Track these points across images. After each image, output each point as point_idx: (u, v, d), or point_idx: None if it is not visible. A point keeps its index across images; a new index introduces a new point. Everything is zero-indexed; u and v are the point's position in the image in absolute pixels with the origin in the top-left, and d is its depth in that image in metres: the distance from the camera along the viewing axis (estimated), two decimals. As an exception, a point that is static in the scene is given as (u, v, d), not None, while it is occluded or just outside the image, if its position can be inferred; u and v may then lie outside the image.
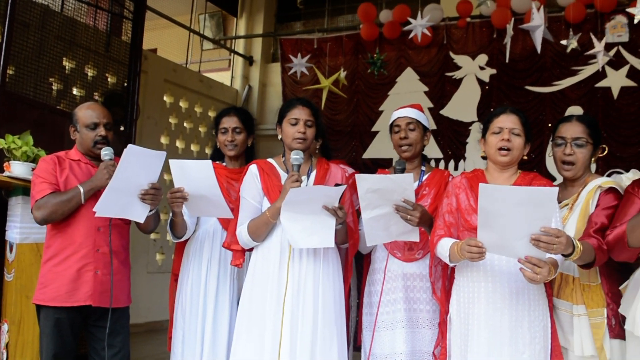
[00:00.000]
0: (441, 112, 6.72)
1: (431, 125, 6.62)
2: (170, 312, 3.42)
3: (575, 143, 2.65)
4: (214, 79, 8.35)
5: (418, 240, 2.78)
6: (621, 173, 3.42)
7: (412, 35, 6.18)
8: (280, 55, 7.60)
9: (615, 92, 6.07)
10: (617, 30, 6.05)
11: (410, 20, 6.24)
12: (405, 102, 6.62)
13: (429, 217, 2.75)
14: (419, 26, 5.96)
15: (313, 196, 2.68)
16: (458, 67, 6.74)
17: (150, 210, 2.93)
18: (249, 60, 8.44)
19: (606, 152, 2.80)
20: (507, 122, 2.60)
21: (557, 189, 2.12)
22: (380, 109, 6.97)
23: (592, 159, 2.72)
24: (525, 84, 6.41)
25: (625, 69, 6.04)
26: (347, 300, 3.11)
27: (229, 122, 3.38)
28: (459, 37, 6.78)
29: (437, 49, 6.83)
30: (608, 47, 6.05)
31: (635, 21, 5.32)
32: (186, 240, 3.34)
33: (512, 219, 2.15)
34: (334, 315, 2.82)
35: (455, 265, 2.58)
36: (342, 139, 7.16)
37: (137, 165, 2.79)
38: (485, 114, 6.40)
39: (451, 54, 6.77)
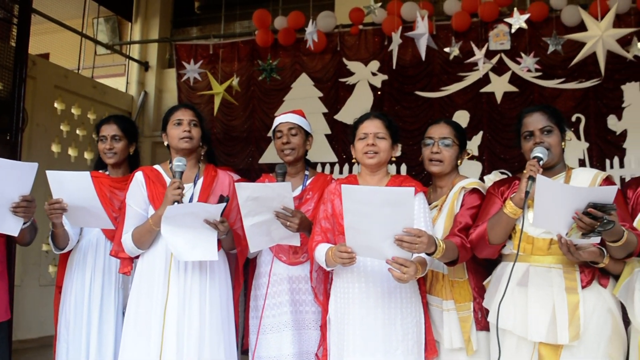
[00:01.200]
0: (335, 117, 6.88)
1: (326, 129, 6.82)
2: (55, 325, 3.36)
3: (443, 142, 2.83)
4: (109, 85, 8.18)
5: (299, 244, 2.89)
6: (505, 174, 3.63)
7: (308, 44, 6.28)
8: (176, 60, 7.55)
9: (499, 97, 6.41)
10: (499, 38, 6.38)
11: (304, 27, 6.35)
12: (301, 107, 6.72)
13: (308, 222, 2.86)
14: (311, 33, 6.07)
15: (192, 212, 2.72)
16: (351, 73, 6.91)
17: (25, 223, 2.87)
18: (144, 65, 8.33)
19: (471, 155, 2.99)
20: (371, 127, 2.75)
21: (412, 188, 2.26)
22: (276, 114, 6.98)
23: (459, 161, 2.91)
24: (415, 89, 6.66)
25: (507, 75, 6.39)
26: (238, 306, 3.18)
27: (108, 130, 3.38)
28: (352, 43, 6.96)
29: (331, 56, 6.98)
30: (492, 54, 6.40)
31: (513, 30, 5.68)
32: (70, 251, 3.30)
33: (376, 220, 2.27)
34: (221, 322, 2.89)
35: (332, 269, 2.69)
36: (238, 145, 7.19)
37: (7, 178, 2.73)
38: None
39: (344, 60, 6.94)
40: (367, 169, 2.80)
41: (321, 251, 2.63)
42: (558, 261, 2.43)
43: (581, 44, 5.38)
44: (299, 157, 3.22)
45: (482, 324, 2.64)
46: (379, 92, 6.80)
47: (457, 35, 6.49)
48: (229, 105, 6.99)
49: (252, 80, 7.19)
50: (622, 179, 5.78)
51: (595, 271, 2.42)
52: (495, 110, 6.44)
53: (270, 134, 6.79)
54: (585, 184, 2.47)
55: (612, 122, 6.12)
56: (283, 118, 3.27)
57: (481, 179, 5.24)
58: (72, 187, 2.89)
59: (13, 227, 2.83)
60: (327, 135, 6.86)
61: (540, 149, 2.49)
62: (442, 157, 2.83)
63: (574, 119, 6.22)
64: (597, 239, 2.18)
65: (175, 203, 2.73)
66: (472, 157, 6.36)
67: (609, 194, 2.11)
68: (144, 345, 2.77)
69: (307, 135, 3.29)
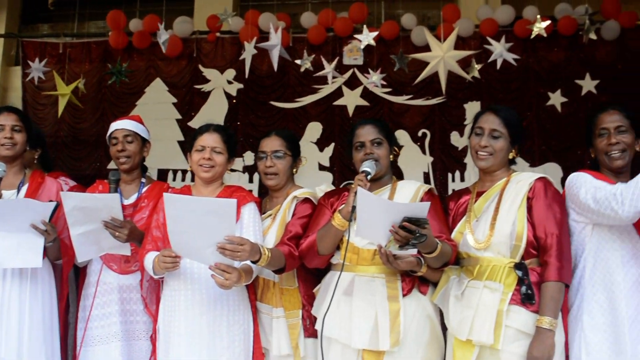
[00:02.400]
0: (189, 123, 6.76)
1: (179, 136, 6.70)
2: None
3: (275, 155, 2.86)
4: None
5: (129, 254, 2.82)
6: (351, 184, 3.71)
7: (159, 40, 6.14)
8: (22, 58, 7.12)
9: (351, 110, 6.60)
10: (353, 53, 6.56)
11: (157, 31, 6.19)
12: (154, 113, 6.61)
13: (139, 232, 2.80)
14: (164, 40, 5.95)
15: (17, 210, 2.59)
16: (207, 80, 6.84)
17: None
18: (-13, 62, 7.80)
19: (305, 162, 3.05)
20: (209, 140, 2.76)
21: (234, 200, 2.29)
22: (127, 119, 6.84)
23: (294, 170, 2.96)
24: (270, 99, 6.70)
25: (359, 90, 6.58)
26: (64, 317, 3.04)
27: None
28: (209, 50, 6.90)
29: (187, 62, 6.87)
30: (345, 68, 6.58)
31: (362, 47, 5.87)
32: None
33: (199, 228, 2.28)
34: (43, 334, 2.76)
35: (161, 277, 2.65)
36: (86, 149, 6.88)
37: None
38: (232, 128, 6.64)
39: (200, 67, 6.86)
40: (201, 180, 2.78)
41: (149, 259, 2.59)
42: (381, 271, 2.53)
43: (426, 63, 5.66)
44: (135, 165, 3.15)
45: (310, 331, 2.69)
46: (234, 101, 6.77)
47: (313, 49, 6.60)
48: (77, 107, 6.69)
49: (104, 82, 6.91)
50: (461, 193, 6.14)
51: (415, 280, 2.55)
52: (347, 122, 6.60)
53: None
54: (408, 196, 2.60)
55: (454, 138, 6.46)
56: (118, 124, 3.19)
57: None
58: None
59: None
60: (179, 142, 6.74)
61: (368, 163, 2.58)
62: (276, 170, 2.86)
63: (420, 134, 6.52)
64: (414, 251, 2.30)
65: None
66: (323, 168, 6.52)
67: (422, 209, 2.22)
68: None
69: (144, 142, 3.21)
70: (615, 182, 2.51)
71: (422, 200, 2.58)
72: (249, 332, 2.67)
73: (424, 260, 2.43)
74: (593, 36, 5.74)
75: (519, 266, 2.45)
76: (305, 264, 2.65)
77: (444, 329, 2.60)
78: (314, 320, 2.66)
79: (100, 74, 6.94)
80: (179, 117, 6.81)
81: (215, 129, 2.86)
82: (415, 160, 6.42)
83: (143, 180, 3.20)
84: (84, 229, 2.68)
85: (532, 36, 5.87)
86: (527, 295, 2.40)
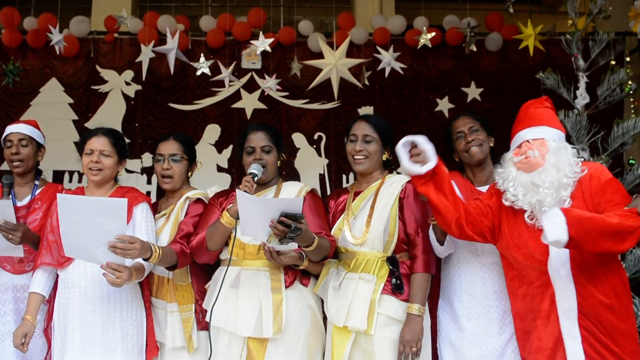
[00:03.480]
0: (86, 124, 6.75)
1: (75, 137, 6.67)
2: None
3: (172, 159, 3.04)
4: None
5: (22, 255, 2.92)
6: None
7: (52, 43, 6.12)
8: None
9: (249, 113, 6.81)
10: (251, 57, 6.79)
11: (52, 31, 6.17)
12: (49, 113, 6.55)
13: (32, 234, 2.91)
14: (58, 41, 5.96)
15: None
16: (105, 81, 6.86)
17: None
18: None
19: (201, 167, 3.24)
20: (97, 144, 2.91)
21: (125, 200, 2.47)
22: (21, 118, 6.75)
23: (190, 173, 3.14)
24: (169, 101, 6.81)
25: (257, 93, 6.80)
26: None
27: None
28: (107, 51, 6.91)
29: (84, 62, 6.86)
30: (244, 72, 6.80)
31: (259, 52, 6.07)
32: None
33: (91, 228, 2.43)
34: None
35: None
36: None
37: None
38: (130, 129, 6.70)
39: (98, 68, 6.87)
40: (92, 183, 2.92)
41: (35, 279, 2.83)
42: (265, 265, 2.75)
43: (320, 70, 5.95)
44: (29, 169, 3.25)
45: (203, 324, 2.89)
46: (132, 102, 6.83)
47: (212, 52, 6.77)
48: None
49: (-5, 80, 6.81)
50: (355, 194, 6.48)
51: (297, 273, 2.79)
52: (244, 125, 6.75)
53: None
54: (292, 196, 2.84)
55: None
56: (14, 128, 3.29)
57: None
58: None
59: None
60: (75, 143, 6.72)
61: (256, 166, 2.81)
62: (172, 173, 3.04)
63: (316, 137, 6.82)
64: (294, 245, 2.54)
65: None
66: (221, 169, 6.69)
67: (297, 205, 2.47)
68: None
69: (38, 146, 3.31)
70: (477, 176, 2.90)
71: (304, 200, 2.82)
72: (142, 326, 2.83)
73: (305, 254, 2.67)
74: (473, 48, 6.20)
75: (390, 260, 2.74)
76: (196, 260, 2.84)
77: (325, 318, 2.86)
78: (206, 313, 2.85)
79: (-8, 72, 6.81)
80: (76, 117, 6.80)
81: (104, 133, 2.98)
82: (311, 162, 6.70)
83: (36, 182, 3.29)
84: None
85: (419, 47, 6.26)
86: (397, 286, 2.69)
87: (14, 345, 2.76)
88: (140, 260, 2.61)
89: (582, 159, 2.62)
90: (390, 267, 2.72)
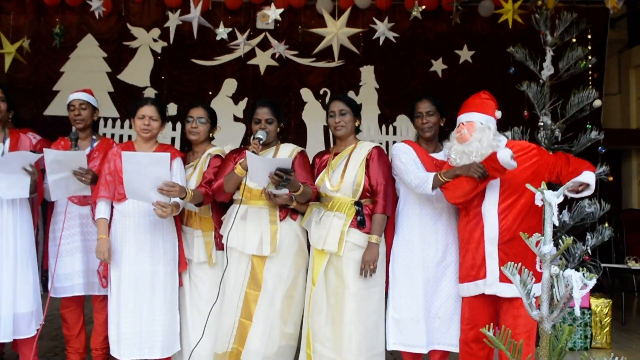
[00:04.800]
0: (118, 76, 7.91)
1: (109, 88, 7.80)
2: None
3: (199, 120, 4.14)
4: None
5: (90, 194, 4.07)
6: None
7: (92, 9, 7.18)
8: (-41, 11, 8.01)
9: (262, 69, 7.92)
10: (265, 19, 7.80)
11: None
12: (86, 65, 7.71)
13: (96, 176, 4.04)
14: (98, 7, 7.03)
15: (12, 159, 3.82)
16: (134, 38, 7.96)
17: None
18: None
19: (220, 130, 4.35)
20: (147, 111, 3.98)
21: (168, 154, 3.63)
22: (62, 70, 7.89)
23: (211, 134, 4.26)
24: (192, 57, 7.91)
25: (270, 51, 7.88)
26: (36, 236, 4.30)
27: None
28: (136, 11, 7.98)
29: (116, 20, 7.94)
30: (258, 32, 7.87)
31: (270, 20, 7.09)
32: None
33: (145, 176, 3.58)
34: (29, 247, 4.04)
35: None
36: (23, 97, 7.86)
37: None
38: (157, 82, 7.81)
39: (128, 25, 7.96)
40: (141, 140, 4.04)
41: (99, 208, 3.97)
42: (266, 204, 3.89)
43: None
44: (88, 126, 4.38)
45: (220, 245, 4.05)
46: (159, 57, 7.94)
47: (230, 13, 7.84)
48: (15, 59, 7.66)
49: (39, 36, 7.90)
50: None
51: (288, 210, 3.93)
52: (259, 80, 7.92)
53: (56, 87, 7.76)
54: (286, 154, 3.96)
55: (351, 96, 7.86)
56: (75, 95, 4.38)
57: (245, 139, 6.75)
58: None
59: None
60: (110, 93, 7.87)
61: (261, 132, 3.90)
62: (198, 131, 4.15)
63: (321, 92, 7.92)
64: (286, 191, 3.68)
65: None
66: (237, 119, 7.80)
67: (287, 162, 3.62)
68: None
69: (94, 109, 4.43)
70: (428, 145, 4.00)
71: (294, 157, 3.94)
72: (175, 246, 4.02)
73: (294, 197, 3.82)
74: (458, 20, 7.20)
75: (357, 203, 3.87)
76: (216, 199, 3.99)
77: (309, 244, 4.02)
78: (222, 238, 4.02)
79: (36, 28, 7.92)
80: (109, 70, 7.95)
81: (152, 102, 4.06)
82: (317, 115, 7.81)
83: (94, 137, 4.43)
84: (59, 176, 3.92)
85: (411, 18, 7.26)
86: (360, 222, 3.83)
87: (101, 259, 3.92)
88: (177, 199, 3.77)
89: (507, 138, 3.77)
90: (357, 208, 3.84)
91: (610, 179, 5.92)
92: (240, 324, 3.86)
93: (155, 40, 7.94)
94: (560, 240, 5.05)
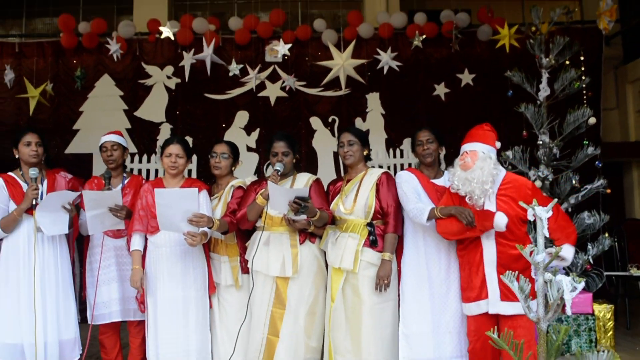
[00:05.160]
0: (135, 113, 8.38)
1: (126, 124, 8.26)
2: None
3: (222, 156, 4.60)
4: None
5: (124, 227, 4.52)
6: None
7: (111, 52, 7.70)
8: (-20, 57, 8.54)
9: (273, 101, 8.36)
10: (273, 52, 8.30)
11: (110, 42, 7.73)
12: (104, 104, 8.21)
13: (129, 211, 4.49)
14: (115, 51, 7.56)
15: (55, 198, 4.27)
16: (149, 76, 8.43)
17: None
18: (-58, 57, 9.14)
19: (241, 164, 4.79)
20: (174, 149, 4.45)
21: (196, 189, 4.09)
22: (81, 109, 8.37)
23: (233, 168, 4.70)
24: (205, 92, 8.37)
25: (279, 83, 8.34)
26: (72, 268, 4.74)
27: None
28: (150, 50, 8.47)
29: (131, 59, 8.42)
30: (267, 65, 8.34)
31: (279, 55, 7.59)
32: None
33: (176, 209, 4.02)
34: (68, 279, 4.49)
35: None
36: (45, 137, 8.38)
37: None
38: (172, 116, 8.28)
39: (143, 64, 8.44)
40: (169, 176, 4.50)
41: (133, 241, 4.44)
42: (286, 230, 4.32)
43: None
44: (119, 165, 4.83)
45: (245, 269, 4.49)
46: (174, 93, 8.42)
47: (240, 48, 8.33)
48: (38, 102, 8.18)
49: (58, 77, 8.40)
50: (363, 168, 8.04)
51: (307, 234, 4.36)
52: (269, 111, 8.37)
53: (75, 127, 8.24)
54: (303, 183, 4.40)
55: (358, 122, 8.32)
56: (107, 138, 4.84)
57: (258, 168, 7.18)
58: None
59: None
60: (127, 130, 8.34)
61: (279, 165, 4.34)
62: (221, 166, 4.60)
63: (330, 119, 8.35)
64: (304, 217, 4.11)
65: (34, 201, 4.27)
66: (250, 149, 8.25)
67: (305, 192, 4.05)
68: (15, 306, 4.28)
69: (124, 149, 4.88)
70: (429, 172, 4.41)
71: (310, 186, 4.37)
72: (205, 272, 4.46)
73: (311, 222, 4.24)
74: (456, 48, 7.64)
75: (369, 224, 4.29)
76: (240, 227, 4.43)
77: (327, 264, 4.44)
78: (247, 262, 4.45)
79: (55, 70, 8.43)
80: (126, 107, 8.42)
81: (178, 141, 4.53)
82: (326, 142, 8.24)
83: (125, 175, 4.88)
84: (96, 212, 4.37)
85: (412, 47, 7.73)
86: (373, 241, 4.25)
87: (134, 287, 4.37)
88: (205, 228, 4.21)
89: (507, 169, 4.23)
90: (369, 229, 4.27)
91: (608, 191, 6.36)
92: (268, 340, 4.27)
93: (169, 77, 8.41)
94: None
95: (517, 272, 3.30)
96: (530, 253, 3.26)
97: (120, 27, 8.27)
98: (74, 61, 8.39)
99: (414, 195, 4.29)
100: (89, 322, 4.63)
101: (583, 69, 6.73)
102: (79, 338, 4.58)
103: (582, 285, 3.25)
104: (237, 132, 8.35)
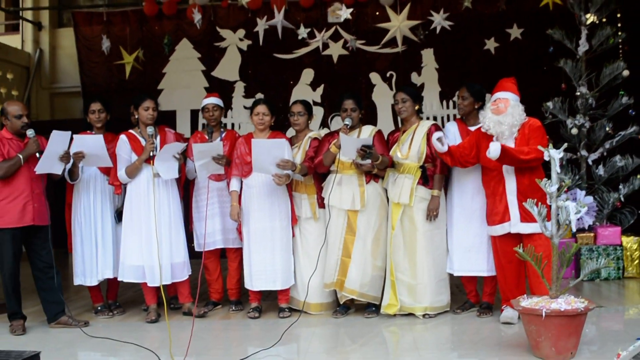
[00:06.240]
0: (212, 73, 9.71)
1: (205, 83, 9.59)
2: (68, 229, 6.12)
3: (299, 114, 5.85)
4: (4, 42, 10.37)
5: (223, 172, 5.84)
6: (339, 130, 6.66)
7: (195, 21, 9.03)
8: (74, 25, 9.93)
9: (335, 59, 9.56)
10: (334, 14, 9.45)
11: (193, 11, 9.01)
12: (184, 66, 9.61)
13: (228, 160, 5.79)
14: (197, 18, 8.86)
15: (168, 149, 5.59)
16: (223, 39, 9.73)
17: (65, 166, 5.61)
18: (37, 26, 10.60)
19: (315, 118, 6.03)
20: (261, 109, 5.75)
21: (284, 140, 5.47)
22: (164, 71, 9.75)
23: (309, 121, 5.95)
24: (274, 52, 9.62)
25: (341, 42, 9.52)
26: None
27: (95, 106, 6.06)
28: (223, 15, 9.74)
29: (207, 24, 9.70)
30: (330, 25, 9.50)
31: (341, 20, 8.75)
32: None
33: (267, 155, 5.31)
34: (179, 214, 5.84)
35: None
36: (131, 96, 9.63)
37: (58, 141, 5.41)
38: (245, 75, 9.55)
39: (217, 28, 9.73)
40: (257, 130, 5.79)
41: (232, 183, 5.79)
42: (355, 172, 5.56)
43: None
44: (218, 122, 6.13)
45: (321, 205, 5.78)
46: (246, 54, 9.70)
47: (304, 10, 9.51)
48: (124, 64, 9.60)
49: (142, 42, 9.78)
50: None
51: (371, 175, 5.60)
52: (332, 68, 9.59)
53: (160, 86, 9.60)
54: (367, 133, 5.62)
55: (414, 77, 9.47)
56: (209, 100, 6.12)
57: (323, 120, 8.42)
58: (90, 143, 5.63)
59: (59, 169, 5.60)
60: (205, 88, 9.66)
61: (348, 120, 5.54)
62: (299, 122, 5.85)
63: (388, 75, 9.50)
64: (369, 161, 5.36)
65: (151, 152, 5.60)
66: (316, 104, 9.48)
67: (369, 141, 5.29)
68: (138, 233, 5.66)
69: (221, 109, 6.17)
70: (468, 120, 5.58)
71: (374, 136, 5.57)
72: (288, 207, 5.76)
73: (375, 166, 5.48)
74: (503, 7, 8.67)
75: (422, 167, 5.49)
76: (317, 171, 5.69)
77: (388, 200, 5.68)
78: (323, 199, 5.72)
79: (139, 35, 9.80)
80: (204, 68, 9.76)
81: (264, 102, 5.82)
82: (385, 95, 9.42)
83: (222, 129, 6.19)
84: (203, 161, 5.67)
85: (463, 9, 8.81)
86: (425, 180, 5.46)
87: (233, 219, 5.75)
88: (289, 171, 5.49)
89: (547, 118, 5.32)
90: (421, 170, 5.48)
91: (640, 136, 7.40)
92: (342, 261, 5.58)
93: (241, 40, 9.69)
94: (598, 191, 6.75)
95: (535, 199, 4.49)
96: (546, 185, 4.41)
97: (197, -5, 9.55)
98: (156, 27, 9.74)
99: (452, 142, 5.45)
100: (196, 249, 6.01)
101: (619, 25, 7.71)
102: (188, 262, 5.93)
103: (585, 209, 4.43)
104: (304, 89, 9.61)
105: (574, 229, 4.31)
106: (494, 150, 4.86)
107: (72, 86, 10.66)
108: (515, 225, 5.12)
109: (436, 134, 5.20)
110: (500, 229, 5.21)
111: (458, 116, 5.80)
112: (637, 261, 6.95)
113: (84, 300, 6.63)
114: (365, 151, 5.26)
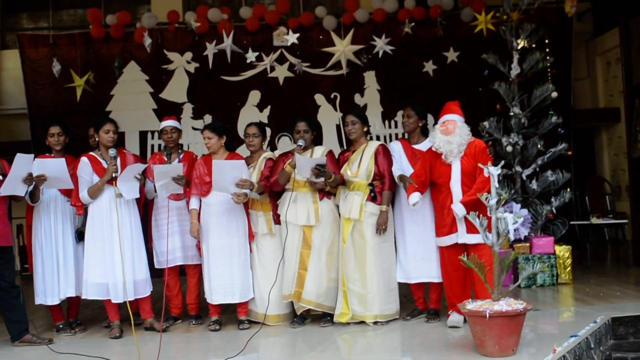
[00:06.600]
0: (160, 95, 10.04)
1: (153, 105, 9.90)
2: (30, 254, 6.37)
3: (254, 135, 6.26)
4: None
5: (182, 192, 6.21)
6: (286, 135, 7.12)
7: (146, 45, 9.36)
8: (19, 47, 10.09)
9: (281, 81, 10.03)
10: (280, 37, 9.92)
11: (144, 35, 9.34)
12: (132, 88, 9.97)
13: (187, 180, 6.15)
14: (148, 44, 9.23)
15: (131, 172, 5.92)
16: (170, 61, 10.08)
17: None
18: (-22, 47, 10.78)
19: (268, 138, 6.46)
20: (206, 133, 6.13)
21: (243, 161, 5.81)
22: (112, 92, 10.03)
23: (263, 142, 6.38)
24: (221, 74, 10.02)
25: (287, 65, 10.00)
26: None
27: (54, 129, 6.34)
28: (170, 37, 10.10)
29: (154, 47, 10.02)
30: (275, 48, 9.96)
31: (288, 44, 9.24)
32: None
33: (227, 175, 5.70)
34: (140, 233, 6.17)
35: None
36: (78, 118, 9.84)
37: (22, 164, 5.65)
38: (193, 97, 9.92)
39: (165, 51, 10.07)
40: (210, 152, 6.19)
41: (192, 202, 6.13)
42: (309, 190, 5.99)
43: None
44: (176, 145, 6.49)
45: (277, 221, 6.19)
46: (193, 76, 10.07)
47: (250, 34, 9.95)
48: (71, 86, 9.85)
49: (89, 64, 10.03)
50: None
51: (324, 193, 6.04)
52: (278, 90, 10.05)
53: (108, 108, 9.87)
54: (319, 153, 6.07)
55: (357, 98, 10.02)
56: (168, 123, 6.45)
57: (270, 141, 8.83)
58: (52, 166, 5.91)
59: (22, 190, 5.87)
60: (154, 110, 9.98)
61: (301, 140, 5.97)
62: (254, 143, 6.26)
63: (332, 96, 10.02)
64: (322, 179, 5.80)
65: (114, 174, 5.91)
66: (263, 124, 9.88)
67: (323, 160, 5.74)
68: (101, 254, 5.95)
69: (179, 131, 6.53)
70: (411, 139, 6.13)
71: (326, 155, 6.00)
72: (245, 224, 6.15)
73: (328, 183, 5.92)
74: (440, 33, 9.31)
75: (370, 184, 5.95)
76: (273, 189, 6.11)
77: (340, 215, 6.13)
78: (279, 216, 6.13)
79: (86, 58, 10.05)
80: (152, 90, 10.09)
81: (208, 127, 6.21)
82: (329, 116, 9.96)
83: (180, 151, 6.55)
84: (163, 182, 6.02)
85: (403, 34, 9.40)
86: (373, 197, 5.93)
87: (193, 236, 6.09)
88: (247, 190, 5.88)
89: (471, 135, 5.83)
90: (370, 188, 5.94)
91: (569, 153, 8.14)
92: (299, 273, 5.97)
93: (188, 62, 10.07)
94: (532, 204, 7.36)
95: (477, 212, 5.02)
96: (487, 199, 4.93)
97: (143, 19, 9.88)
98: (103, 50, 10.02)
99: (397, 161, 6.00)
100: (156, 266, 6.34)
101: (548, 50, 8.46)
102: (149, 278, 6.23)
103: (521, 220, 4.98)
104: (251, 110, 10.05)
105: (512, 238, 4.82)
106: (459, 211, 5.53)
107: (17, 108, 10.80)
108: (462, 236, 5.63)
109: (412, 202, 5.70)
110: (448, 240, 5.71)
111: (400, 135, 6.31)
112: (569, 268, 7.56)
113: (43, 320, 6.85)
114: (319, 170, 5.71)
